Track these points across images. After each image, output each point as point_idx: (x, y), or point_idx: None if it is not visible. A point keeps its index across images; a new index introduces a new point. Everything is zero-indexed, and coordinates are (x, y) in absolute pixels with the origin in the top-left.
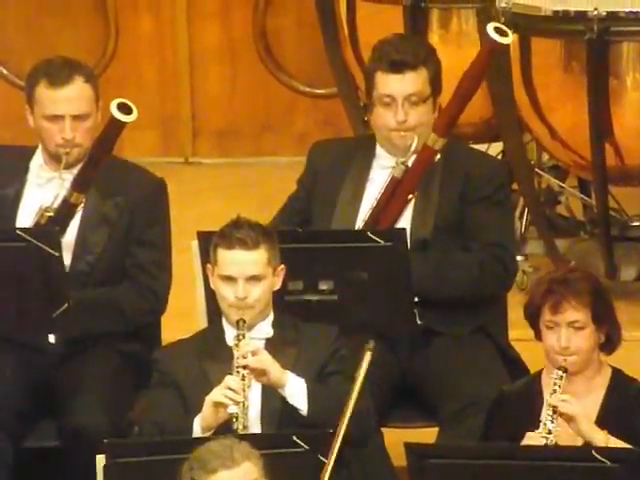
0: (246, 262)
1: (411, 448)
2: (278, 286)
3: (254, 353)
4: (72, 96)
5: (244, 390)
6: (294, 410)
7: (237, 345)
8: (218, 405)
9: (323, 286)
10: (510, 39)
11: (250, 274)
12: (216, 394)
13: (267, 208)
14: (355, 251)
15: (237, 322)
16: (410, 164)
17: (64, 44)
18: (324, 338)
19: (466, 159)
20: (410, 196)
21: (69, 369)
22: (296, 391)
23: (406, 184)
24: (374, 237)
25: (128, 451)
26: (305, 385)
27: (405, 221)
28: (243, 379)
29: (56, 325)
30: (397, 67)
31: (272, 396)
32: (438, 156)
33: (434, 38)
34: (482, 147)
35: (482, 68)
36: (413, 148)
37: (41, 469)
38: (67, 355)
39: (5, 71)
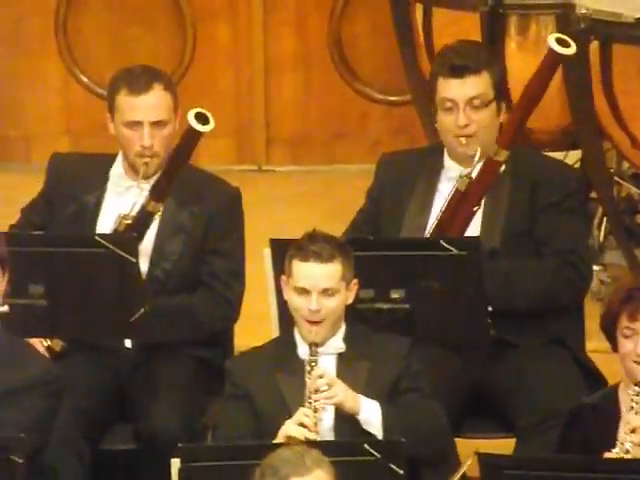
0: (320, 275)
1: (485, 458)
2: (351, 300)
3: (328, 385)
4: (151, 103)
5: (316, 424)
6: (369, 436)
7: (309, 373)
8: (291, 439)
9: (394, 295)
10: (572, 50)
11: (324, 287)
12: (290, 428)
13: (340, 216)
14: (428, 260)
15: (310, 346)
16: (474, 176)
17: (143, 53)
18: (396, 351)
19: (536, 166)
20: (475, 208)
21: (145, 374)
22: (371, 417)
23: (470, 197)
24: (447, 246)
25: (202, 455)
26: (380, 411)
27: (473, 231)
28: (315, 411)
29: (133, 330)
30: (458, 71)
31: (345, 420)
32: (503, 167)
33: (511, 45)
34: (559, 155)
35: (544, 80)
36: (477, 159)
37: (117, 471)
38: (143, 360)
39: (86, 79)
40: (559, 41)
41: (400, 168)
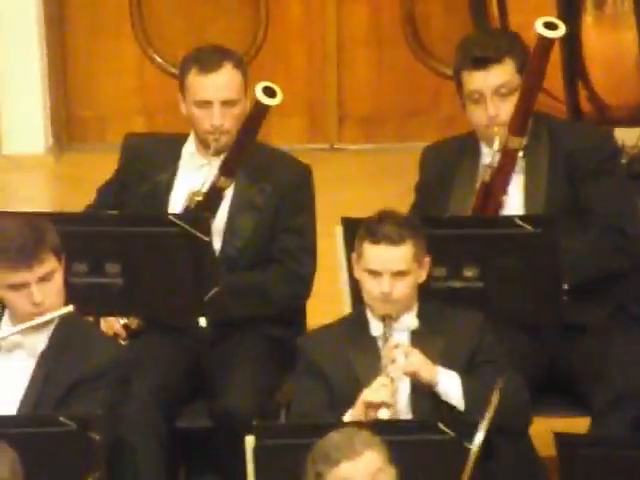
0: (392, 258)
1: (562, 438)
2: (424, 278)
3: (405, 354)
4: (221, 82)
5: (394, 393)
6: (449, 407)
7: (384, 343)
8: (369, 406)
9: (468, 273)
10: (561, 32)
11: (395, 269)
12: (368, 396)
13: (412, 194)
14: (502, 238)
15: (383, 318)
16: (496, 165)
17: (216, 32)
18: (471, 325)
19: (571, 136)
20: (503, 197)
21: (219, 352)
22: (450, 388)
23: (495, 187)
24: (522, 223)
25: (276, 433)
26: (459, 381)
27: (516, 205)
28: (392, 380)
29: (207, 308)
30: (481, 63)
31: (422, 392)
32: (520, 154)
33: (588, 20)
34: (634, 131)
35: (541, 66)
36: (496, 148)
37: (193, 449)
38: (217, 338)
39: (159, 59)
40: (547, 25)
41: (442, 158)
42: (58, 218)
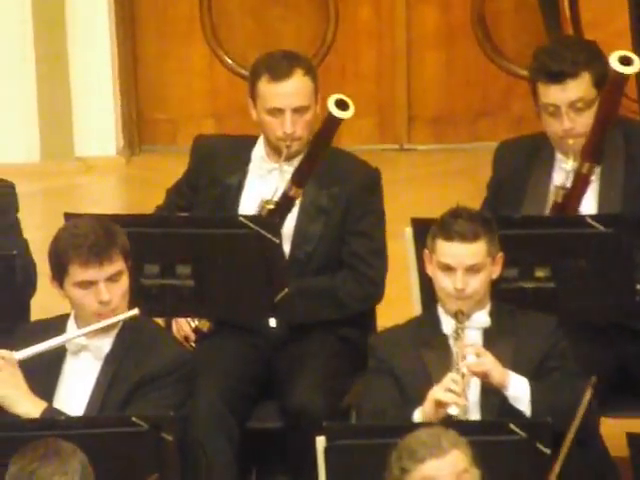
0: (465, 254)
1: (634, 438)
2: (497, 274)
3: (477, 354)
4: (292, 90)
5: (464, 391)
6: (516, 412)
7: (456, 340)
8: (439, 403)
9: (539, 273)
10: (636, 68)
11: (469, 263)
12: (438, 392)
13: (482, 195)
14: (574, 237)
15: (455, 314)
16: (569, 186)
17: (285, 33)
18: (543, 328)
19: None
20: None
21: (289, 353)
22: (519, 394)
23: (568, 209)
24: (593, 223)
25: (347, 434)
26: (529, 387)
27: (590, 210)
28: (463, 377)
29: (277, 310)
30: (556, 77)
31: (492, 393)
32: (593, 177)
33: None
34: None
35: (614, 97)
36: (569, 167)
37: (264, 449)
38: (287, 339)
39: (230, 61)
40: (622, 59)
41: (516, 157)
42: (130, 220)
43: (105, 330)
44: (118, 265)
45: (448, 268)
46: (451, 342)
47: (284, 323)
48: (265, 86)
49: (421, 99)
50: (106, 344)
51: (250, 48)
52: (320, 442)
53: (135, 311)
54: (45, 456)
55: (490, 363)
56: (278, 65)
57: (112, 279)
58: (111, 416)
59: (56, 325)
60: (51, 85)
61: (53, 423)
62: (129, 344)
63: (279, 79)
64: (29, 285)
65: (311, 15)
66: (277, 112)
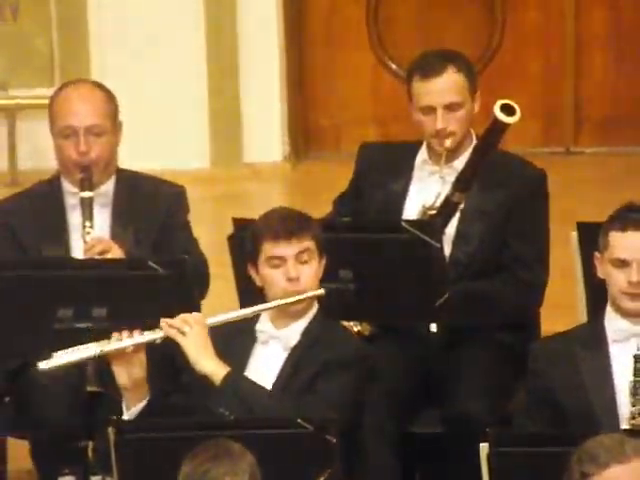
0: None
1: None
2: None
3: None
4: (443, 87)
5: None
6: None
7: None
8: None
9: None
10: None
11: None
12: None
13: None
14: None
15: (635, 358)
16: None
17: (451, 37)
18: None
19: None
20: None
21: (450, 357)
22: None
23: None
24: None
25: (511, 441)
26: None
27: None
28: None
29: (438, 314)
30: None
31: None
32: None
33: None
34: None
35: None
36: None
37: (424, 455)
38: (448, 344)
39: (394, 66)
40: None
41: None
42: None
43: (293, 317)
44: (308, 244)
45: (623, 263)
46: (612, 350)
47: (444, 327)
48: (417, 85)
49: (589, 102)
50: (294, 336)
51: (414, 53)
52: (483, 449)
53: (321, 291)
54: (217, 457)
55: None
56: (429, 63)
57: (302, 260)
58: (278, 418)
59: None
60: (221, 95)
61: (222, 424)
62: (315, 336)
63: (429, 77)
64: (201, 283)
65: (476, 20)
66: (429, 110)
